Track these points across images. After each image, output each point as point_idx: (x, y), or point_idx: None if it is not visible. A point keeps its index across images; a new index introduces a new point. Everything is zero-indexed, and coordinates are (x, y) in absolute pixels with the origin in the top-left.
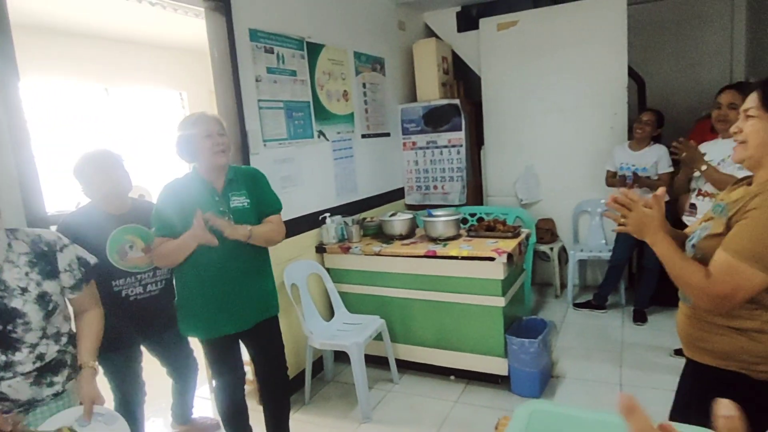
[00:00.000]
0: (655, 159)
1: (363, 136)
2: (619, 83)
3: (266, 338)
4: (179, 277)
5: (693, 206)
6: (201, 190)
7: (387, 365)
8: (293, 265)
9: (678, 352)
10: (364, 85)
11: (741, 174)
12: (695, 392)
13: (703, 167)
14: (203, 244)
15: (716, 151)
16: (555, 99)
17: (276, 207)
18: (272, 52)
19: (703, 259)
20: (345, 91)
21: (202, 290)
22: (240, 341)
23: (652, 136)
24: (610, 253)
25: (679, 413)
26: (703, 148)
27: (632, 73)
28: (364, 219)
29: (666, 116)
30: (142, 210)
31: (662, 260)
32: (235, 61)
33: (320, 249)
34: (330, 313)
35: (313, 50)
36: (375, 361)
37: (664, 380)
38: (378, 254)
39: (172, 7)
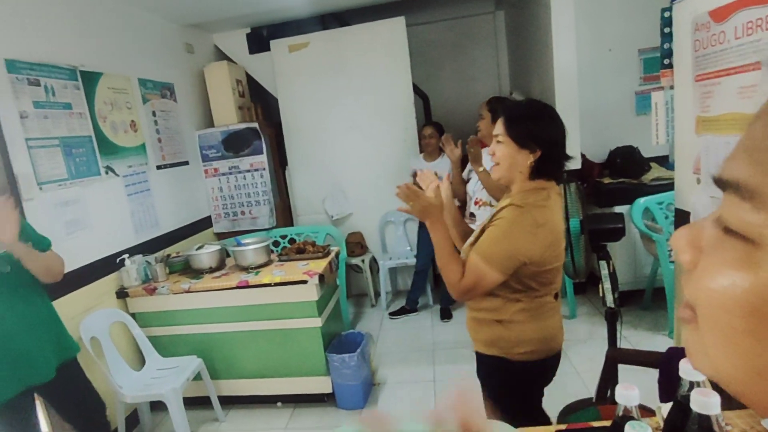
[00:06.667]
0: (448, 167)
1: (159, 167)
2: (406, 100)
3: (75, 379)
4: None
5: (472, 215)
6: None
7: (210, 404)
8: (91, 316)
9: None
10: (153, 113)
11: None
12: (480, 375)
13: (480, 168)
14: None
15: (484, 160)
16: (351, 116)
17: (47, 242)
18: (38, 84)
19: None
20: (132, 121)
21: None
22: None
23: (438, 146)
24: (415, 259)
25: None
26: None
27: (417, 90)
28: (169, 255)
29: (449, 126)
30: None
31: (434, 247)
32: None
33: (122, 294)
34: (141, 362)
35: (89, 79)
36: (197, 402)
37: (471, 370)
38: (188, 291)
39: None
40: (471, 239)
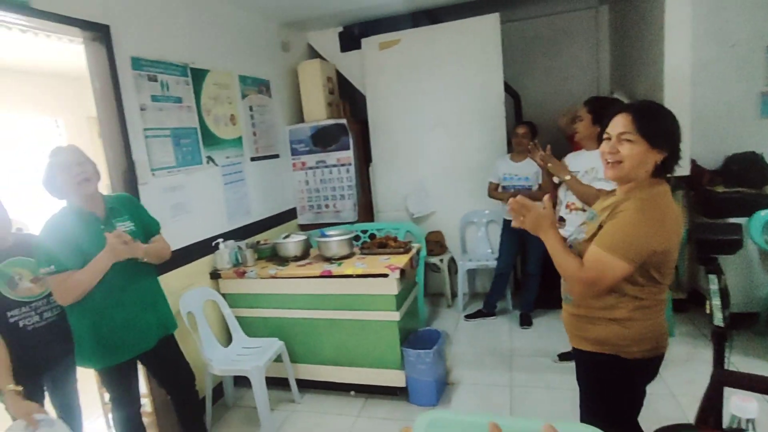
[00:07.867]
0: (535, 169)
1: (252, 159)
2: (496, 98)
3: (172, 351)
4: (75, 308)
5: (561, 219)
6: (85, 220)
7: (288, 386)
8: (188, 293)
9: (562, 358)
10: (250, 108)
11: (598, 185)
12: (580, 374)
13: (567, 177)
14: (122, 258)
15: (579, 163)
16: (438, 114)
17: (159, 226)
18: (156, 80)
19: (579, 256)
20: (232, 115)
21: (104, 317)
22: (138, 365)
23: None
24: (496, 262)
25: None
26: (567, 159)
27: (508, 88)
28: (258, 242)
29: (541, 127)
30: (24, 243)
31: (550, 252)
32: (118, 92)
33: (215, 275)
34: (228, 339)
35: (198, 76)
36: (276, 383)
37: (550, 380)
38: (274, 277)
39: (45, 34)
40: (586, 237)
